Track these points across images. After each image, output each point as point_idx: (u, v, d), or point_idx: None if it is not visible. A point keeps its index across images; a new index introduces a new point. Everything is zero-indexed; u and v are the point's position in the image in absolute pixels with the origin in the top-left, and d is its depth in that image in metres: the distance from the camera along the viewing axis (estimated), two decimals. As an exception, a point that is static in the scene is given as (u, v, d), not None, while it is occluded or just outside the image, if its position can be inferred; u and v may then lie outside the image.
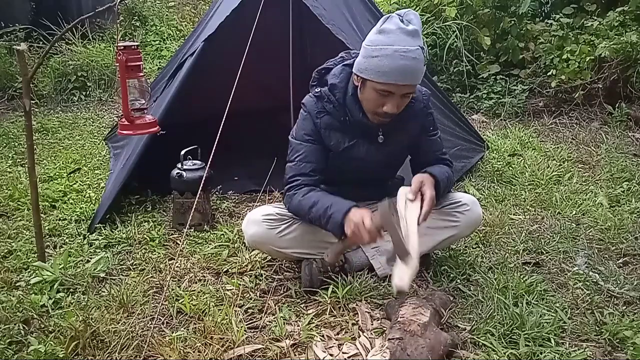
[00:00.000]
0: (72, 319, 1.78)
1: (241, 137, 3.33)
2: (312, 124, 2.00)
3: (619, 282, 2.14)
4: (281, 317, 1.90)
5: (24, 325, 1.82)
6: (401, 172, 2.33)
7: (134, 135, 2.45)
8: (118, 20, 2.27)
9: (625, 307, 1.99)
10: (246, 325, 1.86)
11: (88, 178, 3.25)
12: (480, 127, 4.41)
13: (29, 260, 2.25)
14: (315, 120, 2.00)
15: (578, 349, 1.74)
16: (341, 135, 2.02)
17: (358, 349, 1.75)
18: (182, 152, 2.62)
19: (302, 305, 2.01)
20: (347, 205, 1.85)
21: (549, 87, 4.82)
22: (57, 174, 3.30)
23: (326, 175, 2.04)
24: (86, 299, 1.97)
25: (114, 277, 2.19)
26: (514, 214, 2.81)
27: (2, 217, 2.75)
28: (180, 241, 2.47)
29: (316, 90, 2.03)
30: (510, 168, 3.44)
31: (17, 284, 2.10)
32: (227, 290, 2.09)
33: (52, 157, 3.66)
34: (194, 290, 2.08)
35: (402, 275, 1.70)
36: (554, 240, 2.50)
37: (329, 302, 1.97)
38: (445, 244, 2.20)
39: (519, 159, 3.65)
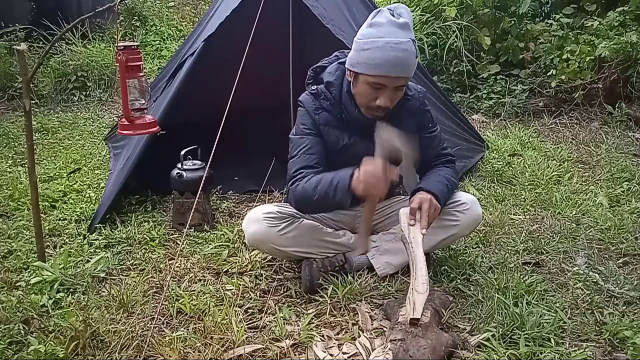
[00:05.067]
0: (72, 319, 1.78)
1: (241, 137, 3.33)
2: (311, 119, 2.01)
3: (619, 282, 2.14)
4: (281, 317, 1.90)
5: (24, 325, 1.82)
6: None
7: (134, 135, 2.45)
8: (118, 20, 2.27)
9: (625, 307, 1.99)
10: (246, 325, 1.86)
11: (88, 178, 3.24)
12: (480, 127, 4.41)
13: (29, 260, 2.25)
14: (314, 116, 2.01)
15: (578, 349, 1.74)
16: (339, 133, 2.02)
17: (358, 349, 1.75)
18: (182, 152, 2.62)
19: (302, 305, 2.01)
20: (349, 170, 1.81)
21: (549, 87, 4.82)
22: (57, 174, 3.30)
23: None
24: (86, 299, 1.97)
25: (114, 277, 2.19)
26: (514, 214, 2.81)
27: (2, 217, 2.75)
28: (180, 241, 2.47)
29: (312, 87, 2.04)
30: (510, 168, 3.44)
31: (17, 284, 2.10)
32: (227, 290, 2.09)
33: (52, 157, 3.66)
34: (194, 290, 2.08)
35: (416, 305, 1.68)
36: (554, 240, 2.50)
37: (329, 302, 1.97)
38: (445, 244, 2.20)
39: (519, 159, 3.65)
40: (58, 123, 4.52)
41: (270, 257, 2.26)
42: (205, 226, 2.62)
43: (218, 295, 2.04)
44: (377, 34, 1.81)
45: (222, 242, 2.47)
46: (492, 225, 2.62)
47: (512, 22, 5.13)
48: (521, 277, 2.13)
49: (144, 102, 2.08)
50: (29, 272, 2.18)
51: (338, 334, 1.84)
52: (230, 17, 2.84)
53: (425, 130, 2.11)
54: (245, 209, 2.87)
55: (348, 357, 1.72)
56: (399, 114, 1.99)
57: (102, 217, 2.58)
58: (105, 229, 2.55)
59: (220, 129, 2.05)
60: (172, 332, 1.79)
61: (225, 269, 2.25)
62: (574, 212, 2.81)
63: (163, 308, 1.94)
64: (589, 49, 4.52)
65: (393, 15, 1.82)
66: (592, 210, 2.82)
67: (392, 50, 1.78)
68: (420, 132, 2.09)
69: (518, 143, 3.93)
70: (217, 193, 3.02)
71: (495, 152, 3.73)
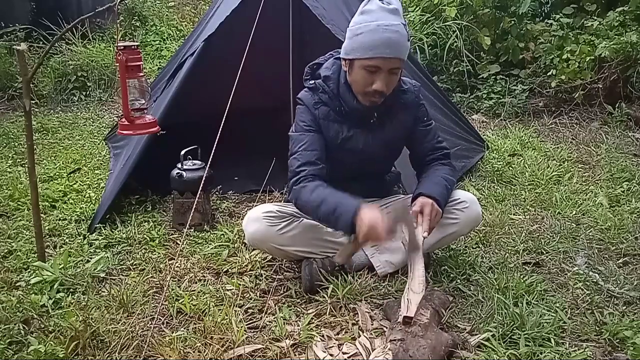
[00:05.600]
0: (72, 319, 1.78)
1: (241, 137, 3.33)
2: (311, 115, 2.03)
3: (619, 282, 2.14)
4: (281, 317, 1.90)
5: (24, 325, 1.82)
6: (401, 170, 2.33)
7: (134, 135, 2.45)
8: (118, 20, 2.27)
9: (625, 307, 1.99)
10: (246, 325, 1.86)
11: (88, 178, 3.25)
12: (480, 127, 4.41)
13: (29, 260, 2.25)
14: (314, 111, 2.03)
15: (578, 349, 1.74)
16: (339, 126, 2.04)
17: (358, 349, 1.75)
18: (182, 152, 2.62)
19: (302, 305, 2.01)
20: (355, 204, 1.80)
21: (549, 87, 4.83)
22: (57, 174, 3.30)
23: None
24: (86, 299, 1.97)
25: (114, 277, 2.19)
26: (514, 214, 2.81)
27: (2, 217, 2.75)
28: (180, 241, 2.47)
29: (310, 82, 2.07)
30: (510, 168, 3.44)
31: (17, 284, 2.10)
32: (227, 290, 2.09)
33: (52, 157, 3.66)
34: (194, 290, 2.08)
35: (410, 304, 1.69)
36: (554, 240, 2.50)
37: (329, 302, 1.97)
38: (444, 242, 2.20)
39: (519, 159, 3.65)
40: (58, 123, 4.52)
41: (270, 257, 2.26)
42: (205, 226, 2.62)
43: (218, 295, 2.04)
44: (368, 19, 1.85)
45: (222, 242, 2.47)
46: (492, 225, 2.62)
47: (512, 22, 5.13)
48: (521, 277, 2.12)
49: (144, 102, 2.08)
50: (29, 272, 2.18)
51: (338, 334, 1.84)
52: (230, 17, 2.84)
53: (421, 123, 2.14)
54: (245, 209, 2.87)
55: (348, 357, 1.72)
56: (395, 107, 2.04)
57: (102, 217, 2.58)
58: (105, 229, 2.55)
59: (220, 129, 2.05)
60: (172, 332, 1.79)
61: (225, 269, 2.25)
62: (574, 212, 2.81)
63: (163, 308, 1.94)
64: (589, 49, 4.52)
65: (383, 2, 1.86)
66: (592, 210, 2.82)
67: (385, 32, 1.82)
68: (416, 124, 2.13)
69: (518, 143, 3.93)
70: (217, 193, 3.02)
71: (495, 152, 3.73)
